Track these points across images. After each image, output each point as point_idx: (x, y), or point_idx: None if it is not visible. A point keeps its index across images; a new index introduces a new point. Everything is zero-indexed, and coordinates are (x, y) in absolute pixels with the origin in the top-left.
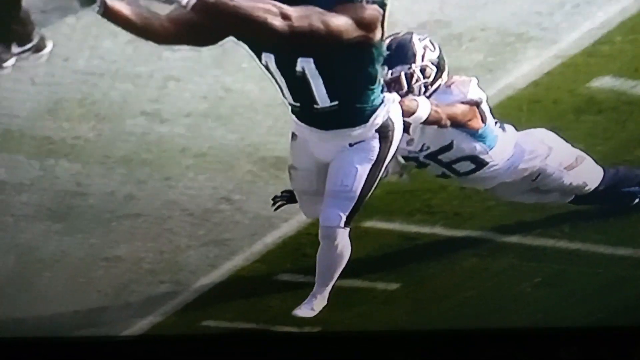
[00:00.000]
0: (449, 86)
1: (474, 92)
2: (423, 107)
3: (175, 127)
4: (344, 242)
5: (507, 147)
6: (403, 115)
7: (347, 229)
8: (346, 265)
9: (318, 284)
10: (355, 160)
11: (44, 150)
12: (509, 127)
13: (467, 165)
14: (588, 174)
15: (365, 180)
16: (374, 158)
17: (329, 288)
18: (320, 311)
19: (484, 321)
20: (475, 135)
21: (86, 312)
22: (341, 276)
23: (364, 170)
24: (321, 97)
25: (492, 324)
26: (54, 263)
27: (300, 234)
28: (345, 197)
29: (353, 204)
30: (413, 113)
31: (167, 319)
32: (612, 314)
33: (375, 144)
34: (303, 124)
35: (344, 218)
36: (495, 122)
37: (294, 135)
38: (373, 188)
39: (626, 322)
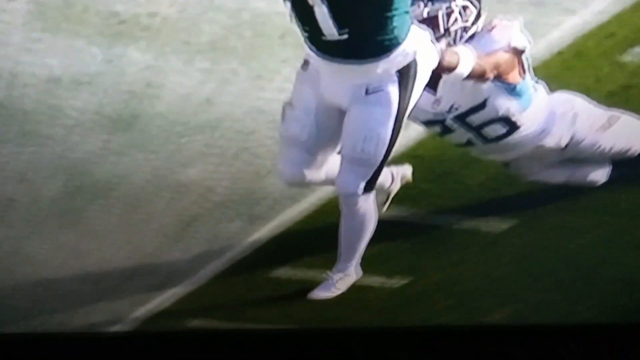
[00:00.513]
0: (490, 31)
1: (518, 38)
2: (465, 61)
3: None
4: (366, 207)
5: (540, 110)
6: (441, 71)
7: (370, 194)
8: None
9: (342, 260)
10: (374, 120)
11: (111, 33)
12: (540, 87)
13: (498, 129)
14: (628, 133)
15: (387, 143)
16: (394, 111)
17: (354, 263)
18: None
19: (488, 317)
20: (512, 91)
21: (141, 256)
22: None
23: (385, 132)
24: (326, 27)
25: (492, 320)
26: (107, 191)
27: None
28: (365, 164)
29: (374, 171)
30: (454, 69)
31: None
32: (611, 311)
33: (394, 92)
34: (317, 53)
35: (362, 185)
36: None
37: (305, 64)
38: (394, 147)
39: (625, 319)
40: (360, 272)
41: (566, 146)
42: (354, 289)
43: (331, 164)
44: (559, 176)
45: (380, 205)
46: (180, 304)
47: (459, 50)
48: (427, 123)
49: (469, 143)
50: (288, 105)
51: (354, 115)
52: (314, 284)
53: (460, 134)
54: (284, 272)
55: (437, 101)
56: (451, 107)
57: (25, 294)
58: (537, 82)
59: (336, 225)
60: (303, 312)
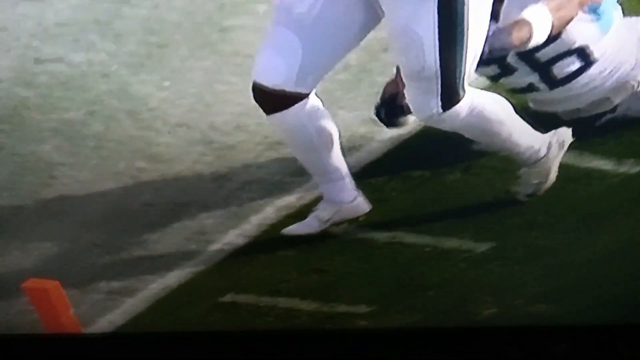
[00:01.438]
0: None
1: None
2: (540, 27)
3: None
4: (460, 120)
5: (618, 40)
6: (511, 48)
7: (458, 107)
8: None
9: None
10: (410, 17)
11: None
12: (618, 10)
13: (571, 64)
14: None
15: (440, 42)
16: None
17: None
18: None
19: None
20: (594, 11)
21: None
22: None
23: (428, 28)
24: None
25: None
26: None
27: None
28: (423, 78)
29: (441, 83)
30: (527, 41)
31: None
32: (605, 311)
33: None
34: None
35: (435, 102)
36: None
37: None
38: (464, 47)
39: (619, 320)
40: (564, 132)
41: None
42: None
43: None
44: None
45: None
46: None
47: (529, 16)
48: (486, 61)
49: (529, 88)
50: None
51: (388, 13)
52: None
53: (522, 75)
54: None
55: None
56: None
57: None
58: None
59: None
60: None
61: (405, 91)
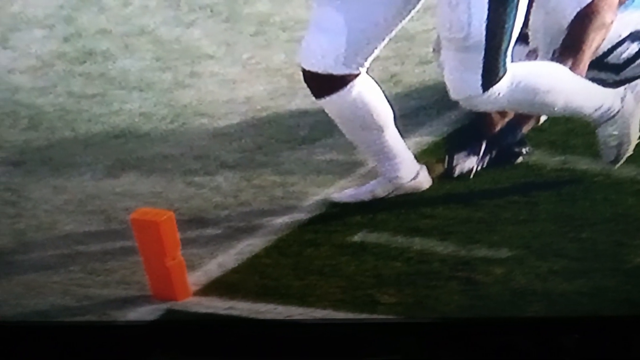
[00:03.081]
0: None
1: None
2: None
3: None
4: (502, 99)
5: None
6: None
7: (498, 86)
8: None
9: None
10: None
11: None
12: None
13: (627, 50)
14: None
15: (487, 8)
16: None
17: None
18: None
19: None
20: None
21: None
22: None
23: None
24: None
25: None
26: None
27: None
28: (467, 46)
29: (484, 55)
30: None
31: None
32: (616, 302)
33: None
34: None
35: (478, 79)
36: None
37: None
38: (508, 24)
39: (630, 311)
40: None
41: None
42: None
43: (373, 85)
44: None
45: None
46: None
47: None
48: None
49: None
50: None
51: None
52: None
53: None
54: None
55: (532, 52)
56: (553, 54)
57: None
58: None
59: None
60: None
61: (444, 64)
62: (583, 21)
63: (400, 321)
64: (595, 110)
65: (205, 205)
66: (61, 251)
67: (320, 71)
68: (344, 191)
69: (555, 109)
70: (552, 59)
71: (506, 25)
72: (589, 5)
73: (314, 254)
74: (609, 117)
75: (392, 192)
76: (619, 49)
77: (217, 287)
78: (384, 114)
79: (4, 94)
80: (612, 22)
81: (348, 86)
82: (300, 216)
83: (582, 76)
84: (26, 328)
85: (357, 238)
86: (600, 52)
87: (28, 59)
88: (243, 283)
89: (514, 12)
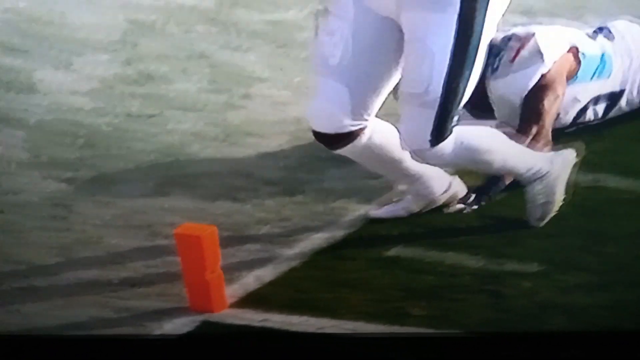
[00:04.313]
0: (513, 60)
1: (549, 49)
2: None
3: None
4: (447, 155)
5: (627, 57)
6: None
7: (445, 143)
8: None
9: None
10: (430, 32)
11: None
12: (620, 27)
13: (598, 110)
14: None
15: (448, 67)
16: (455, 19)
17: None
18: None
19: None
20: (576, 80)
21: None
22: None
23: (444, 48)
24: None
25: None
26: None
27: None
28: (424, 99)
29: (437, 110)
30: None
31: None
32: (616, 317)
33: None
34: None
35: (427, 135)
36: (596, 32)
37: None
38: (464, 83)
39: (631, 326)
40: (568, 153)
41: None
42: None
43: (382, 125)
44: None
45: None
46: None
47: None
48: None
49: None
50: (322, 12)
51: (406, 28)
52: None
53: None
54: None
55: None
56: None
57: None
58: (605, 34)
59: None
60: None
61: (400, 119)
62: (537, 96)
63: (428, 335)
64: (527, 170)
65: (247, 220)
66: (105, 264)
67: (329, 132)
68: (382, 207)
69: (494, 167)
70: (516, 132)
71: (461, 86)
72: (540, 81)
73: (348, 268)
74: (538, 177)
75: (427, 206)
76: (588, 112)
77: (253, 299)
78: (398, 147)
79: (65, 115)
80: (563, 94)
81: (358, 138)
82: (339, 232)
83: (549, 144)
84: (64, 341)
85: (392, 252)
86: (570, 118)
87: (90, 81)
88: (278, 296)
89: (469, 76)
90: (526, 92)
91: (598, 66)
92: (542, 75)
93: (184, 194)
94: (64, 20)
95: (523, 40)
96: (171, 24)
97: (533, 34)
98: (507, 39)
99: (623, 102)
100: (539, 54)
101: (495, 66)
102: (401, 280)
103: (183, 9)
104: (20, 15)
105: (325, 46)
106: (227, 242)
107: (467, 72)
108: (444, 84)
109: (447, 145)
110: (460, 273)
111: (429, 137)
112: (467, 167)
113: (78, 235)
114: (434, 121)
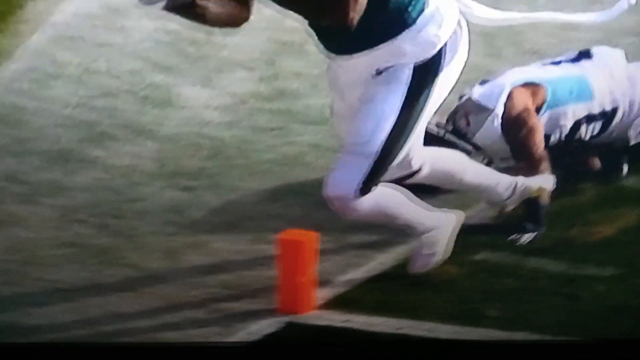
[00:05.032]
0: (469, 124)
1: (490, 98)
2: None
3: None
4: (377, 206)
5: (611, 79)
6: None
7: (370, 194)
8: None
9: (412, 231)
10: (378, 99)
11: None
12: (600, 54)
13: (588, 130)
14: None
15: (389, 130)
16: (403, 93)
17: (426, 222)
18: None
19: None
20: (555, 104)
21: None
22: None
23: (388, 112)
24: None
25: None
26: None
27: None
28: (361, 152)
29: (371, 165)
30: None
31: None
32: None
33: (407, 72)
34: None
35: (358, 183)
36: (559, 62)
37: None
38: (400, 146)
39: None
40: (459, 212)
41: None
42: None
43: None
44: None
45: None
46: None
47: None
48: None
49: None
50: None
51: (363, 91)
52: None
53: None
54: None
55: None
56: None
57: None
58: (574, 59)
59: None
60: None
61: (337, 164)
62: (512, 134)
63: (501, 339)
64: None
65: (346, 226)
66: (205, 268)
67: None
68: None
69: (397, 222)
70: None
71: (397, 148)
72: (505, 123)
73: (436, 272)
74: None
75: (500, 209)
76: (582, 130)
77: (340, 301)
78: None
79: (193, 128)
80: (538, 122)
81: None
82: None
83: (548, 171)
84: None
85: (479, 257)
86: (562, 137)
87: (224, 97)
88: (365, 298)
89: (405, 141)
90: (499, 135)
91: (573, 88)
92: (503, 118)
93: (293, 201)
94: (210, 40)
95: (464, 107)
96: (309, 43)
97: (468, 97)
98: (454, 113)
99: (618, 119)
100: (483, 107)
101: (463, 133)
102: (482, 283)
103: None
104: (169, 35)
105: (339, 125)
106: (326, 246)
107: (404, 138)
108: (384, 142)
109: (367, 200)
110: (539, 277)
111: (356, 186)
112: (377, 221)
113: (186, 240)
114: (366, 172)
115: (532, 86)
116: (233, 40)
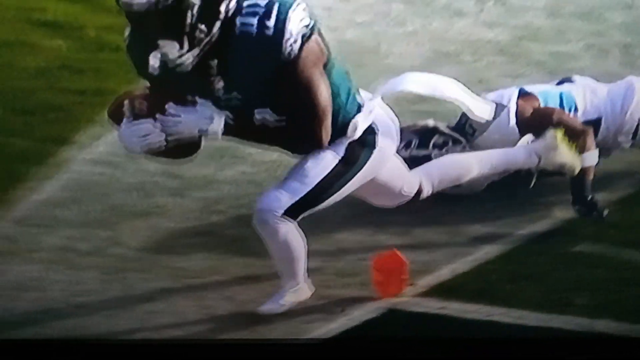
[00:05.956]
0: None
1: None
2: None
3: None
4: (287, 235)
5: (592, 94)
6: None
7: (290, 223)
8: None
9: (284, 277)
10: (317, 160)
11: None
12: (580, 79)
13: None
14: None
15: (329, 174)
16: (337, 160)
17: (300, 278)
18: None
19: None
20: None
21: None
22: None
23: (333, 159)
24: None
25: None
26: None
27: None
28: (297, 180)
29: (304, 192)
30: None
31: None
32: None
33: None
34: None
35: (284, 203)
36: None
37: None
38: (336, 193)
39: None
40: (312, 288)
41: None
42: None
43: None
44: None
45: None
46: None
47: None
48: None
49: None
50: None
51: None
52: None
53: None
54: None
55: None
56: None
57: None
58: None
59: None
60: None
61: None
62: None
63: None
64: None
65: (463, 219)
66: (325, 254)
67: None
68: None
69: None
70: None
71: (320, 200)
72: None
73: (535, 262)
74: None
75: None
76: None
77: (441, 289)
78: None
79: None
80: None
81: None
82: (540, 227)
83: (593, 147)
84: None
85: (577, 248)
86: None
87: None
88: (464, 286)
89: (327, 198)
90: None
91: (561, 100)
92: (516, 114)
93: None
94: (378, 49)
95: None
96: (465, 53)
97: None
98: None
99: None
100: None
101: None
102: (574, 273)
103: (480, 42)
104: (341, 44)
105: None
106: (439, 237)
107: (326, 196)
108: (314, 190)
109: (285, 227)
110: (630, 267)
111: (285, 207)
112: (272, 246)
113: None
114: (303, 197)
115: (526, 96)
116: (399, 49)
